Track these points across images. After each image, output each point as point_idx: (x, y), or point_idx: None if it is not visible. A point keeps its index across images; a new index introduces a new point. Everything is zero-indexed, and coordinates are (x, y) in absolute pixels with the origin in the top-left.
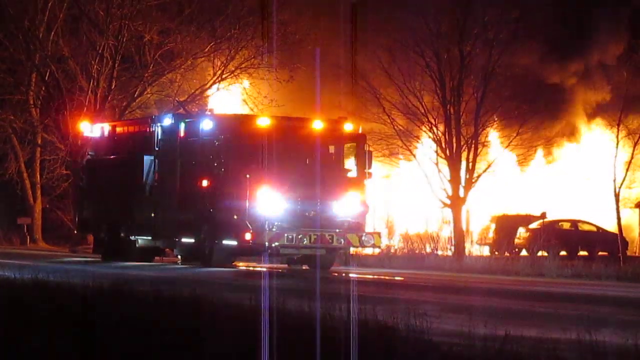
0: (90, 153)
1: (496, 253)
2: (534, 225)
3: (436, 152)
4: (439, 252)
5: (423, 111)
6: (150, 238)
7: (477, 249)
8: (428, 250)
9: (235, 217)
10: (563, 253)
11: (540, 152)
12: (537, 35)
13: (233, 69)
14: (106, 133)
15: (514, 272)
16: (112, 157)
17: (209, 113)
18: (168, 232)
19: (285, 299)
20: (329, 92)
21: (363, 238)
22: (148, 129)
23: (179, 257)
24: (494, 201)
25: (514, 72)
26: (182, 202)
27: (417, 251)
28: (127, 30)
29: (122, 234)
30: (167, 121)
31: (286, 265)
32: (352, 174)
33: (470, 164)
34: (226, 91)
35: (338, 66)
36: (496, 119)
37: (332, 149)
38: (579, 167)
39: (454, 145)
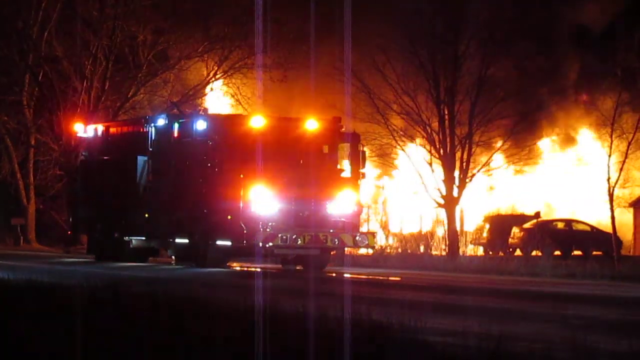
0: (83, 154)
1: (490, 253)
2: (528, 224)
3: (430, 152)
4: (433, 252)
5: (417, 111)
6: (144, 238)
7: (471, 249)
8: (422, 250)
9: (229, 217)
10: (557, 253)
11: (534, 151)
12: (531, 35)
13: (227, 69)
14: (100, 134)
15: (508, 271)
16: (105, 157)
17: (203, 113)
18: (162, 233)
19: (279, 299)
20: (323, 92)
21: (357, 238)
22: (142, 129)
23: (173, 257)
24: (488, 201)
25: (509, 72)
26: (176, 202)
27: (410, 251)
28: (121, 31)
29: (116, 235)
30: (161, 122)
31: (280, 266)
32: (346, 173)
33: (464, 164)
34: (220, 91)
35: (332, 66)
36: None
37: (326, 148)
38: (573, 166)
39: (448, 145)
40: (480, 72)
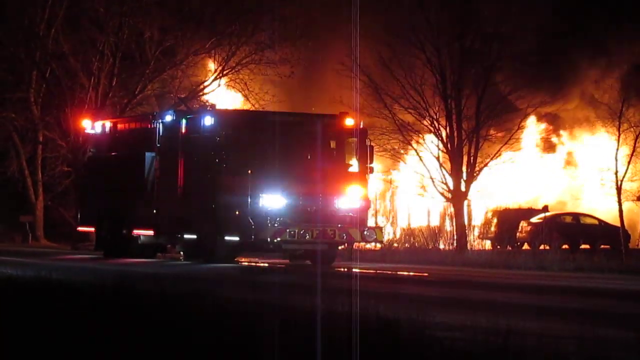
0: (91, 150)
1: (498, 247)
2: (535, 218)
3: (437, 146)
4: (441, 246)
5: (424, 106)
6: (152, 234)
7: (478, 243)
8: (430, 244)
9: (237, 212)
10: (565, 246)
11: (542, 145)
12: (538, 28)
13: (234, 64)
14: (107, 130)
15: (515, 266)
16: (113, 154)
17: (210, 109)
18: (170, 229)
19: (287, 295)
20: (330, 87)
21: (365, 233)
22: (149, 125)
23: (182, 253)
24: (496, 195)
25: (515, 66)
26: (184, 198)
27: (418, 245)
28: (128, 27)
29: (124, 231)
30: (169, 118)
31: (288, 261)
32: (354, 168)
33: (472, 158)
34: (227, 87)
35: (339, 61)
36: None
37: (333, 144)
38: (582, 160)
39: (455, 139)
40: (487, 66)
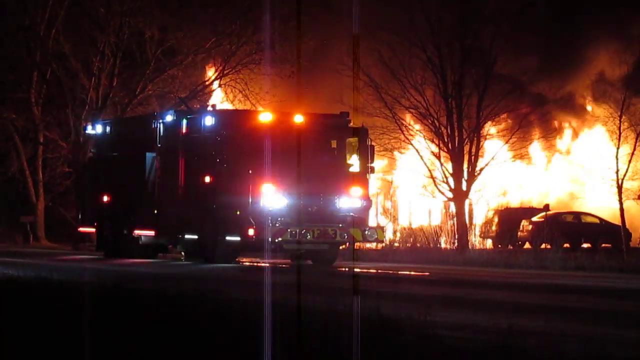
0: (92, 150)
1: (499, 246)
2: (536, 217)
3: (438, 145)
4: (442, 246)
5: (425, 105)
6: (153, 235)
7: (480, 242)
8: (431, 243)
9: (238, 212)
10: (566, 245)
11: (543, 144)
12: (539, 27)
13: (234, 64)
14: (108, 130)
15: (517, 265)
16: (114, 154)
17: (211, 109)
18: (171, 229)
19: (288, 295)
20: (331, 87)
21: (366, 232)
22: (150, 125)
23: (183, 253)
24: (497, 194)
25: (516, 65)
26: (185, 198)
27: (419, 244)
28: (128, 27)
29: (125, 231)
30: (169, 118)
31: (289, 261)
32: (354, 168)
33: (473, 158)
34: (228, 87)
35: (339, 61)
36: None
37: (334, 143)
38: (582, 159)
39: (456, 138)
40: (488, 65)
